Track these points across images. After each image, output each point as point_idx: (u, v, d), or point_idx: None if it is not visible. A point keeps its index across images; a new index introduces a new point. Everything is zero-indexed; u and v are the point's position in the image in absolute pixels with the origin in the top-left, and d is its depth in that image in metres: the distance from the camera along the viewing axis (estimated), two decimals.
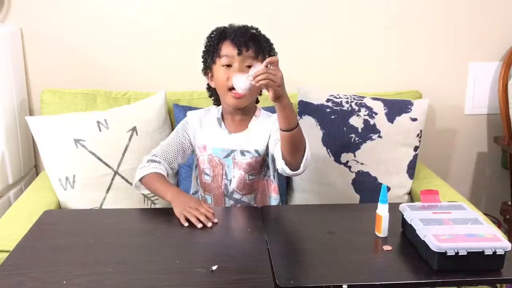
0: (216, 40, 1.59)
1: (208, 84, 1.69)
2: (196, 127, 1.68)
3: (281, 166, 1.48)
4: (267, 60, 1.34)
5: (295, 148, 1.43)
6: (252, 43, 1.56)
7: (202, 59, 1.65)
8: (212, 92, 1.69)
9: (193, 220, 1.40)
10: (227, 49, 1.56)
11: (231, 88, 1.54)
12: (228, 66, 1.56)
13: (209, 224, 1.39)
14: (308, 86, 2.09)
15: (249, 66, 1.54)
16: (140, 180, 1.61)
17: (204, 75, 1.67)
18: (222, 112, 1.67)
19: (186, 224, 1.40)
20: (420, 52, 2.29)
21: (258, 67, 1.35)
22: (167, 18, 2.17)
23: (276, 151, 1.52)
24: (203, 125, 1.68)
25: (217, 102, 1.70)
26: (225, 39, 1.57)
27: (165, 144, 1.67)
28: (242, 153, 1.62)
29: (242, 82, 1.45)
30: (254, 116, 1.66)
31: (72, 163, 1.85)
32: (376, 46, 2.27)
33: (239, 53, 1.54)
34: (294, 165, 1.46)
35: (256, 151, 1.62)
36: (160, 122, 1.97)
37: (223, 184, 1.65)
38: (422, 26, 2.27)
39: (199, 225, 1.39)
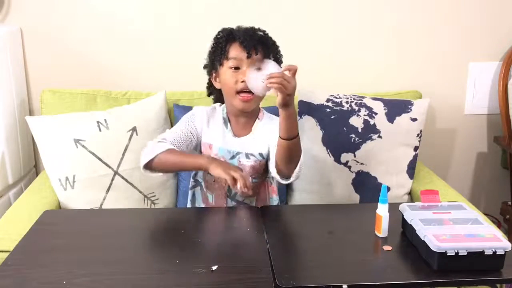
0: (224, 42, 1.57)
1: (208, 83, 1.69)
2: (204, 123, 1.66)
3: (273, 172, 1.51)
4: (288, 66, 1.36)
5: (290, 157, 1.44)
6: (261, 46, 1.56)
7: (208, 60, 1.64)
8: (213, 90, 1.69)
9: (241, 181, 1.41)
10: (236, 52, 1.55)
11: (239, 91, 1.54)
12: (236, 68, 1.55)
13: (247, 191, 1.42)
14: (308, 86, 2.09)
15: (258, 69, 1.53)
16: (149, 163, 1.54)
17: (208, 75, 1.67)
18: (226, 113, 1.67)
19: (234, 184, 1.42)
20: (420, 52, 2.29)
21: (272, 67, 1.37)
22: (167, 18, 2.17)
23: (272, 155, 1.53)
24: (210, 124, 1.67)
25: (218, 100, 1.70)
26: (233, 41, 1.56)
27: (174, 132, 1.62)
28: (247, 156, 1.62)
29: (255, 81, 1.45)
30: (257, 119, 1.66)
31: (72, 163, 1.85)
32: (376, 46, 2.27)
33: (249, 56, 1.53)
34: (285, 174, 1.49)
35: (260, 154, 1.62)
36: (160, 122, 1.97)
37: (226, 185, 1.64)
38: (422, 26, 2.26)
39: (244, 190, 1.41)
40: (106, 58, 2.20)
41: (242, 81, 1.52)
